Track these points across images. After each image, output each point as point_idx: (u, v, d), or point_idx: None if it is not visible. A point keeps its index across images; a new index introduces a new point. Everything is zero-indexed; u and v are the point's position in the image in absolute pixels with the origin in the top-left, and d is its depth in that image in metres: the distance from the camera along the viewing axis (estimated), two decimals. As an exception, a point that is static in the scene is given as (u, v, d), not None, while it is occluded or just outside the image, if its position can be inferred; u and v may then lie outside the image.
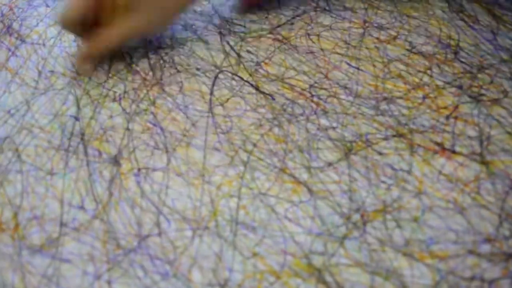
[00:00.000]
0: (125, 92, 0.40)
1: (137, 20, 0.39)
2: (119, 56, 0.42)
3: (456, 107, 0.36)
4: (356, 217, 0.29)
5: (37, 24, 0.48)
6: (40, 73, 0.42)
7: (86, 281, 0.28)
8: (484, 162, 0.32)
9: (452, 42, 0.42)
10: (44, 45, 0.45)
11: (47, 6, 0.50)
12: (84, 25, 0.39)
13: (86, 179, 0.33)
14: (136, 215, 0.31)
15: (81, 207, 0.32)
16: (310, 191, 0.31)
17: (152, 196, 0.32)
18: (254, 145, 0.34)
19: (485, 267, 0.27)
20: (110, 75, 0.41)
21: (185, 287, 0.27)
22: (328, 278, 0.27)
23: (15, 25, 0.48)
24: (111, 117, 0.38)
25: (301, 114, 0.36)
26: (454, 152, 0.33)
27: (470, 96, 0.37)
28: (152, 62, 0.42)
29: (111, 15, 0.39)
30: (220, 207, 0.31)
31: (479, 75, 0.39)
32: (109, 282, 0.28)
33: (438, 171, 0.32)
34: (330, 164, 0.33)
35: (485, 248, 0.28)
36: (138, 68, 0.42)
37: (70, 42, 0.45)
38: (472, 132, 0.34)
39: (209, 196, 0.31)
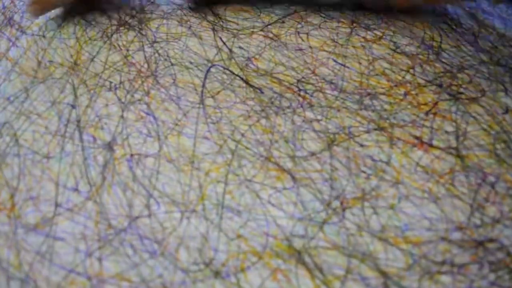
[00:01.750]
0: (120, 82, 0.40)
1: None
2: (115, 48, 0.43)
3: (436, 104, 0.37)
4: (336, 203, 0.31)
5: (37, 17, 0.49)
6: (39, 63, 0.43)
7: (78, 258, 0.29)
8: (459, 156, 0.33)
9: (434, 44, 0.43)
10: (44, 36, 0.46)
11: (48, -1, 0.51)
12: None
13: (81, 163, 0.34)
14: (127, 197, 0.32)
15: (76, 189, 0.32)
16: (293, 178, 0.32)
17: (144, 180, 0.33)
18: (242, 135, 0.35)
19: (456, 252, 0.28)
20: (107, 66, 0.42)
21: (172, 265, 0.28)
22: (307, 259, 0.28)
23: (16, 17, 0.49)
24: (106, 105, 0.38)
25: (288, 107, 0.37)
26: (431, 145, 0.34)
27: (449, 94, 0.38)
28: (147, 55, 0.43)
29: None
30: (208, 192, 0.32)
31: (459, 75, 0.40)
32: (100, 259, 0.28)
33: (415, 163, 0.33)
34: (313, 154, 0.34)
35: (457, 235, 0.29)
36: (134, 61, 0.43)
37: (69, 35, 0.46)
38: (449, 128, 0.35)
39: (197, 182, 0.32)
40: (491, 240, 0.29)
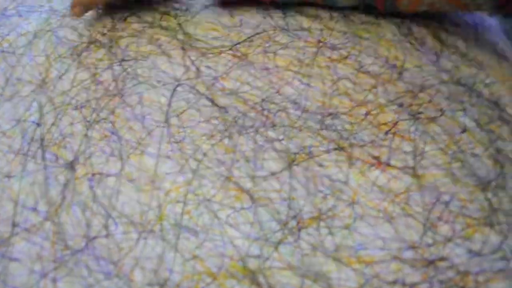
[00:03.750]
0: (87, 101, 0.40)
1: None
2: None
3: (395, 123, 0.38)
4: (292, 223, 0.31)
5: (9, 33, 0.49)
6: (7, 80, 0.43)
7: (32, 279, 0.29)
8: (415, 175, 0.34)
9: (398, 63, 0.44)
10: (13, 53, 0.46)
11: (20, 16, 0.51)
12: None
13: (42, 182, 0.34)
14: (86, 217, 0.32)
15: (34, 209, 0.32)
16: (252, 198, 0.32)
17: (103, 200, 0.33)
18: (204, 154, 0.35)
19: (407, 272, 0.29)
20: (74, 84, 0.42)
21: (126, 286, 0.28)
22: (262, 280, 0.28)
23: (-13, 34, 0.48)
24: (71, 124, 0.38)
25: (251, 126, 0.37)
26: (389, 165, 0.34)
27: (409, 114, 0.39)
28: (115, 73, 0.43)
29: None
30: (167, 212, 0.32)
31: (420, 94, 0.40)
32: (54, 280, 0.28)
33: (372, 182, 0.33)
34: (273, 173, 0.34)
35: (409, 254, 0.29)
36: (101, 79, 0.43)
37: (39, 51, 0.46)
38: (407, 148, 0.36)
39: (157, 201, 0.32)
40: (442, 259, 0.29)
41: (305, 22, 0.49)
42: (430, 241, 0.30)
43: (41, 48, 0.47)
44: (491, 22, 0.48)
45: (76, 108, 0.40)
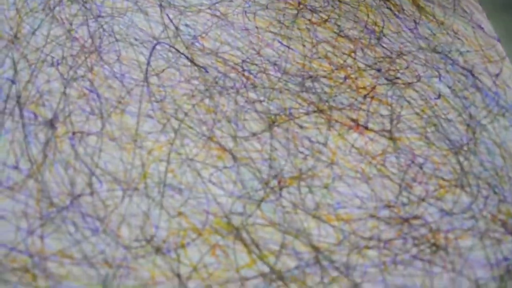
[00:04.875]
0: (63, 58, 0.41)
1: None
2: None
3: (373, 88, 0.40)
4: (274, 182, 0.33)
5: (-26, -16, 0.48)
6: (-24, 34, 0.43)
7: (19, 236, 0.30)
8: (392, 138, 0.36)
9: (376, 29, 0.45)
10: (-19, 6, 0.45)
11: (-15, -34, 0.50)
12: None
13: (22, 140, 0.35)
14: (69, 175, 0.33)
15: (16, 167, 0.33)
16: (234, 158, 0.34)
17: (86, 158, 0.34)
18: (186, 114, 0.37)
19: (383, 229, 0.31)
20: (48, 40, 0.42)
21: (114, 242, 0.30)
22: (245, 236, 0.30)
23: (-49, -16, 0.47)
24: (48, 81, 0.39)
25: (232, 87, 0.39)
26: (366, 128, 0.36)
27: (387, 79, 0.41)
28: (91, 30, 0.43)
29: None
30: (150, 170, 0.33)
31: (398, 60, 0.42)
32: (41, 237, 0.30)
33: (350, 144, 0.35)
34: (254, 134, 0.36)
35: (385, 213, 0.32)
36: (77, 35, 0.43)
37: (9, 5, 0.45)
38: (384, 111, 0.38)
39: (140, 160, 0.34)
40: (415, 217, 0.32)
41: (285, -17, 0.49)
42: (405, 200, 0.32)
43: (10, 1, 0.46)
44: (468, -10, 0.50)
45: (51, 65, 0.40)
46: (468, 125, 0.37)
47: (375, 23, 0.46)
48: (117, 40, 0.42)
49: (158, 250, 0.29)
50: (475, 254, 0.30)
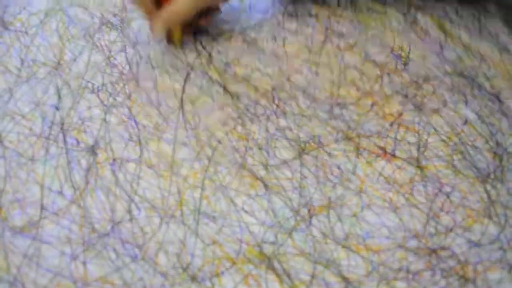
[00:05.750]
0: (103, 84, 0.41)
1: None
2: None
3: (400, 114, 0.39)
4: (304, 211, 0.33)
5: (20, 12, 0.49)
6: (22, 61, 0.44)
7: (63, 261, 0.30)
8: (419, 166, 0.36)
9: (403, 54, 0.45)
10: (26, 33, 0.47)
11: (30, -7, 0.51)
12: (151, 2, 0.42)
13: (65, 166, 0.35)
14: (110, 202, 0.33)
15: (60, 192, 0.34)
16: (265, 186, 0.34)
17: (125, 185, 0.34)
18: (219, 141, 0.37)
19: (411, 260, 0.31)
20: (89, 66, 0.43)
21: (152, 269, 0.30)
22: (277, 265, 0.30)
23: (-1, 12, 0.49)
24: (89, 108, 0.39)
25: (263, 114, 0.39)
26: (394, 156, 0.36)
27: (413, 105, 0.40)
28: (129, 56, 0.44)
29: None
30: (186, 197, 0.33)
31: (424, 86, 0.42)
32: (84, 263, 0.30)
33: (378, 172, 0.35)
34: (285, 162, 0.36)
35: (413, 243, 0.31)
36: (116, 62, 0.43)
37: (52, 31, 0.46)
38: (412, 138, 0.38)
39: (176, 187, 0.34)
40: (443, 248, 0.31)
41: (313, 8, 0.49)
42: (432, 230, 0.32)
43: (53, 28, 0.47)
44: (494, 14, 0.49)
45: (92, 91, 0.41)
46: (495, 153, 0.37)
47: (401, 48, 0.46)
48: (153, 67, 0.43)
49: (193, 278, 0.29)
50: (503, 287, 0.29)
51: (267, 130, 0.38)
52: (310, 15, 0.49)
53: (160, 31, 0.42)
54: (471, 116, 0.39)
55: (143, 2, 0.42)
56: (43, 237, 0.31)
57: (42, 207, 0.33)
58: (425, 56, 0.45)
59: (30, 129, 0.38)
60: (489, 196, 0.34)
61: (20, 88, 0.41)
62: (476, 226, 0.32)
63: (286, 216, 0.33)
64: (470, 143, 0.37)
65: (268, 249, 0.31)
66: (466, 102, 0.40)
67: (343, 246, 0.31)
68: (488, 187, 0.34)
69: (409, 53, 0.45)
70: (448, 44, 0.46)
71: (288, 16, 0.49)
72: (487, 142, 0.37)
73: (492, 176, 0.35)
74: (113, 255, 0.30)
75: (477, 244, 0.31)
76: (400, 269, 0.30)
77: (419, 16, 0.49)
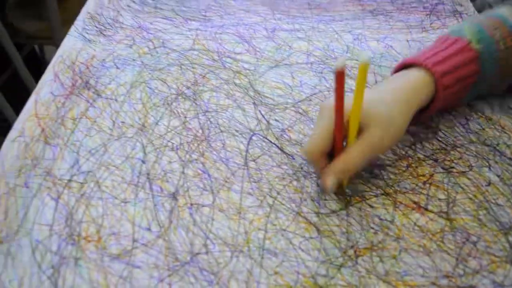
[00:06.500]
0: (180, 144, 0.49)
1: (371, 137, 0.40)
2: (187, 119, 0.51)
3: (432, 175, 0.45)
4: (351, 252, 0.38)
5: (110, 82, 0.58)
6: (114, 123, 0.52)
7: (152, 283, 0.36)
8: (448, 219, 0.41)
9: (433, 124, 0.51)
10: (116, 100, 0.55)
11: (117, 67, 0.60)
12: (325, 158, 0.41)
13: (152, 208, 0.42)
14: (189, 237, 0.39)
15: (148, 229, 0.40)
16: (318, 230, 0.40)
17: (201, 225, 0.40)
18: (278, 193, 0.43)
19: (443, 295, 0.35)
20: (169, 129, 0.51)
21: (224, 292, 0.35)
22: (328, 294, 0.35)
23: (92, 81, 0.58)
24: (170, 162, 0.47)
25: (314, 172, 0.45)
26: (427, 209, 0.41)
27: (443, 168, 0.46)
28: (201, 122, 0.52)
29: (343, 142, 0.41)
30: (252, 237, 0.39)
31: (452, 152, 0.47)
32: (169, 285, 0.36)
33: (413, 223, 0.40)
34: (334, 211, 0.41)
35: (444, 282, 0.36)
36: (190, 126, 0.51)
37: (136, 100, 0.55)
38: (442, 196, 0.43)
39: (243, 228, 0.40)
40: (471, 287, 0.36)
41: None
42: (461, 272, 0.37)
43: (137, 97, 0.56)
44: (513, 93, 0.55)
45: (172, 149, 0.48)
46: (515, 210, 0.41)
47: (432, 119, 0.52)
48: (221, 131, 0.50)
49: (260, 301, 0.35)
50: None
51: (318, 185, 0.44)
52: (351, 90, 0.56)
53: (332, 185, 0.40)
54: (494, 178, 0.44)
55: (321, 160, 0.41)
56: (135, 262, 0.37)
57: (134, 240, 0.39)
58: (453, 127, 0.51)
59: (122, 177, 0.45)
60: (510, 246, 0.38)
61: (112, 144, 0.49)
62: (499, 270, 0.36)
63: (336, 255, 0.38)
64: (493, 201, 0.42)
65: (321, 280, 0.36)
66: (489, 167, 0.46)
67: (384, 281, 0.36)
68: (510, 238, 0.39)
69: (438, 124, 0.51)
70: (473, 117, 0.52)
71: (333, 92, 0.56)
72: (508, 200, 0.42)
73: (513, 229, 0.40)
74: (193, 280, 0.36)
75: (501, 285, 0.35)
76: (433, 302, 0.35)
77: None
